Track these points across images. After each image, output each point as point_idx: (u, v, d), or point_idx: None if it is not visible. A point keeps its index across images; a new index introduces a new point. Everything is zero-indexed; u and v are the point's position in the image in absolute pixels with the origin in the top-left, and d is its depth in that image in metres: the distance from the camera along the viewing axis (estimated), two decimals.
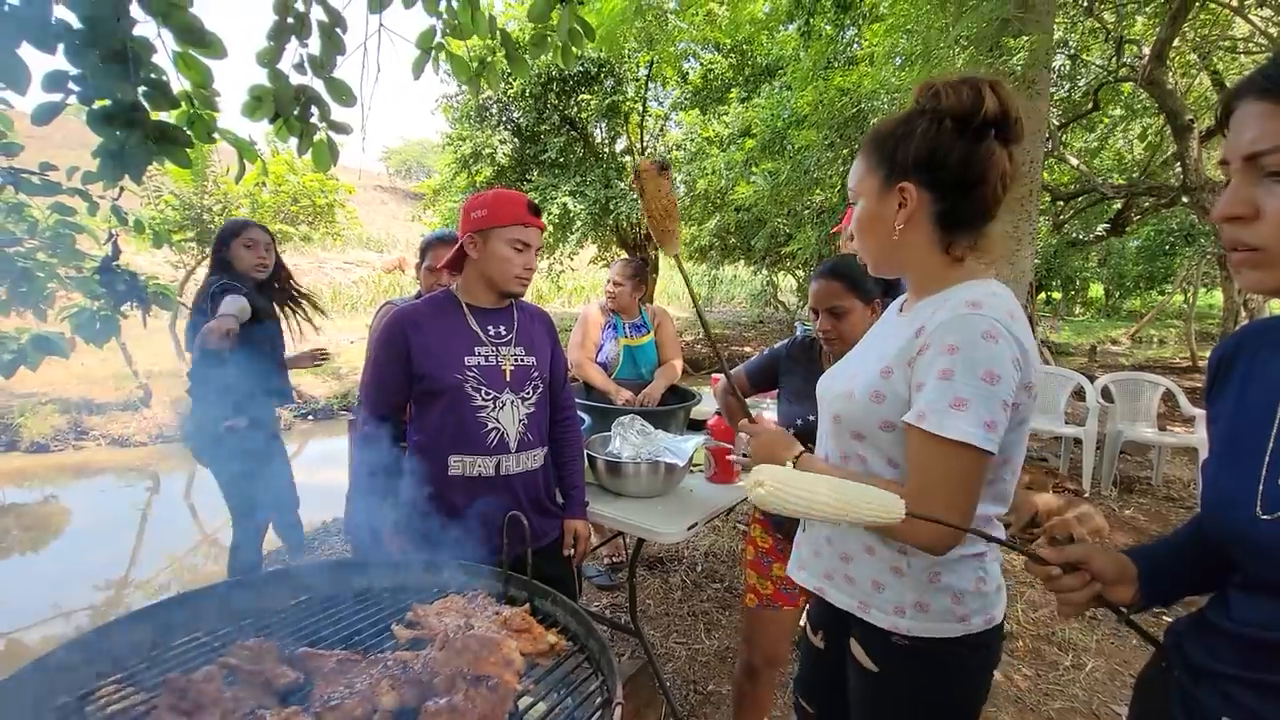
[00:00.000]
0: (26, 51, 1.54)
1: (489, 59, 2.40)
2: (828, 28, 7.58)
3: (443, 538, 1.37)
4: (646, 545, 3.45)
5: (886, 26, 5.85)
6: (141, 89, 1.72)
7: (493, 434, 1.62)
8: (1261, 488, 0.63)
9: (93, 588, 3.65)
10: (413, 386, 1.61)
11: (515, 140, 10.16)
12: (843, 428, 1.05)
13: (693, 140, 9.81)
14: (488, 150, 9.83)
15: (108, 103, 1.69)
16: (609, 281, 3.00)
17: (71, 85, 1.64)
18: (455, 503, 1.58)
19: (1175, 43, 5.70)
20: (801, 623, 1.50)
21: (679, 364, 3.03)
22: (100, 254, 2.67)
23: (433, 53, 2.19)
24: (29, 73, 1.57)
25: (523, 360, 1.70)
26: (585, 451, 2.19)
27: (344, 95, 2.07)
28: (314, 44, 2.00)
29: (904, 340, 0.99)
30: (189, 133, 1.87)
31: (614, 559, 3.17)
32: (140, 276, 2.85)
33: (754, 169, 7.37)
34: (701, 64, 10.45)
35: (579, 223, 9.66)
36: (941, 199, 0.98)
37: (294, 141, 2.10)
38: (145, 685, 0.79)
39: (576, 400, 2.75)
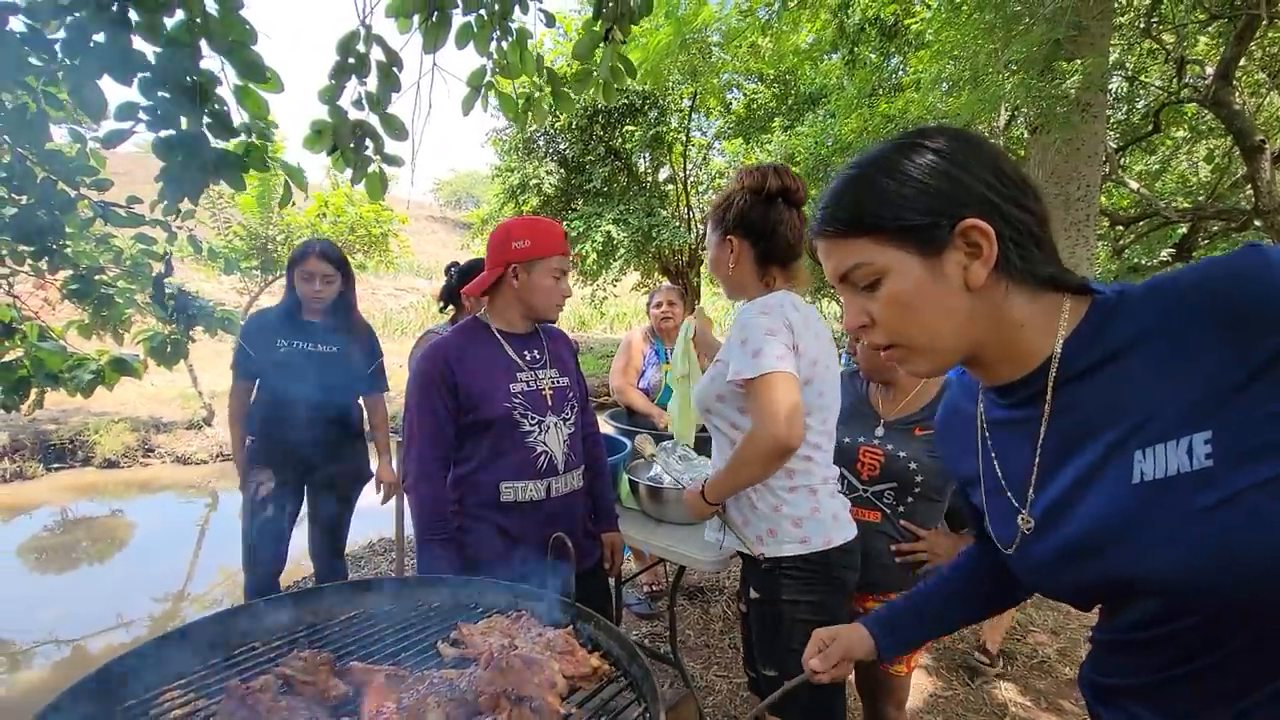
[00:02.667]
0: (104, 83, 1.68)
1: (535, 96, 2.49)
2: (873, 56, 7.58)
3: (501, 565, 1.43)
4: (687, 573, 3.41)
5: (932, 52, 5.82)
6: (205, 120, 1.85)
7: (542, 458, 1.64)
8: (1019, 536, 0.71)
9: (152, 599, 3.80)
10: (460, 419, 1.61)
11: (561, 171, 10.43)
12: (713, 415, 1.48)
13: (735, 168, 9.89)
14: (534, 181, 10.12)
15: (173, 132, 1.82)
16: (658, 305, 3.00)
17: (141, 115, 1.78)
18: (509, 529, 1.60)
19: (1242, 62, 5.49)
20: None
21: None
22: (172, 280, 2.84)
23: (482, 90, 2.28)
24: (106, 103, 1.71)
25: (558, 382, 1.73)
26: (627, 476, 2.19)
27: (397, 130, 2.17)
28: (372, 82, 2.11)
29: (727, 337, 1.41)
30: (244, 158, 1.99)
31: (654, 587, 3.13)
32: (206, 302, 3.02)
33: None
34: (745, 94, 10.58)
35: (622, 250, 9.80)
36: (754, 244, 1.43)
37: (349, 172, 2.22)
38: (207, 691, 0.83)
39: (619, 425, 2.77)
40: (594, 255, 9.73)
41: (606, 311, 14.35)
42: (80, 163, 2.55)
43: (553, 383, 1.71)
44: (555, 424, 1.67)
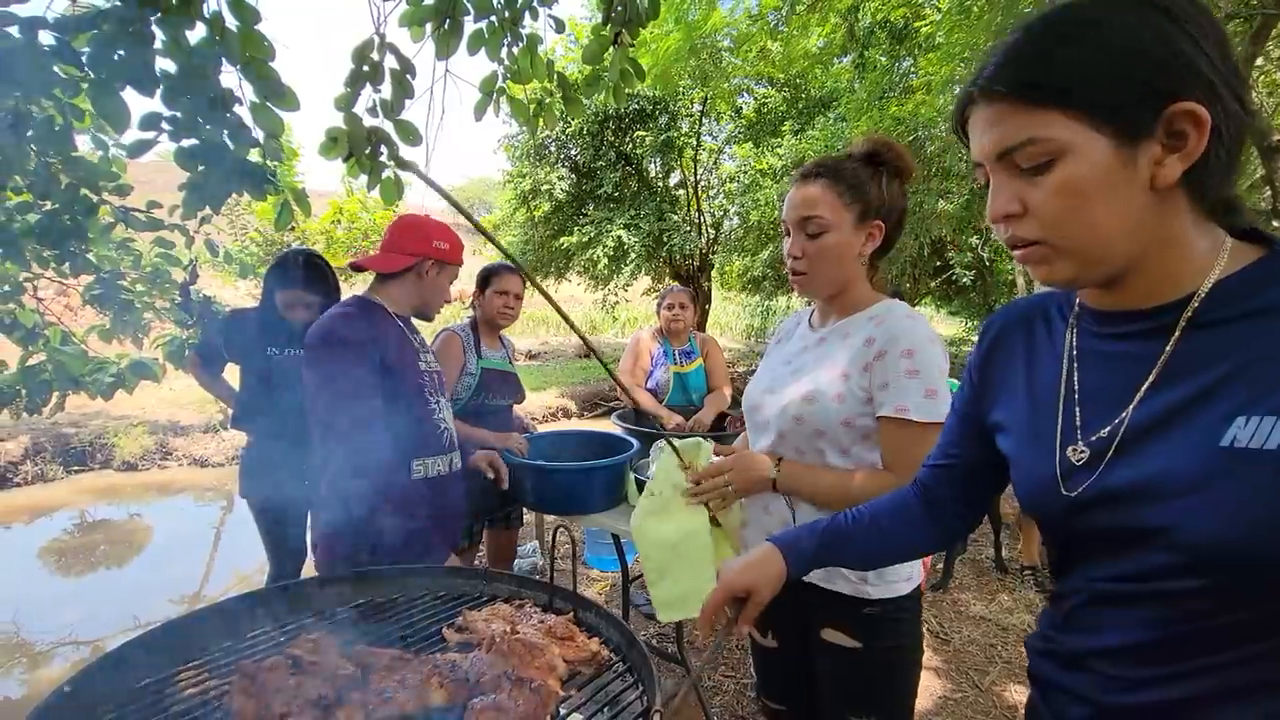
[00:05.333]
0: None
1: (546, 101, 2.52)
2: (882, 59, 7.58)
3: (416, 539, 1.48)
4: None
5: (942, 55, 5.81)
6: (225, 131, 1.91)
7: (445, 434, 1.74)
8: (1058, 465, 0.67)
9: (168, 601, 3.87)
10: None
11: (572, 176, 10.50)
12: (805, 427, 1.21)
13: (746, 173, 9.91)
14: (546, 186, 10.19)
15: (195, 141, 1.88)
16: (669, 306, 3.02)
17: (164, 125, 1.83)
18: (421, 504, 1.63)
19: (1259, 61, 5.42)
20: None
21: (728, 391, 3.03)
22: (195, 287, 2.91)
23: (494, 96, 2.32)
24: (129, 113, 1.77)
25: (435, 366, 1.83)
26: (634, 475, 2.21)
27: (411, 136, 2.22)
28: (386, 89, 2.16)
29: (854, 350, 1.18)
30: (265, 168, 2.04)
31: None
32: (224, 307, 3.08)
33: None
34: (755, 98, 10.60)
35: (633, 255, 9.83)
36: (885, 237, 1.22)
37: (364, 179, 2.26)
38: (220, 671, 0.86)
39: (626, 425, 2.79)
40: (605, 260, 9.77)
41: (618, 316, 14.40)
42: (103, 169, 2.61)
43: (435, 367, 1.81)
44: (445, 404, 1.79)
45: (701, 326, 11.28)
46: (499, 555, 2.66)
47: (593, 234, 9.83)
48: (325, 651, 0.84)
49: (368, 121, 2.19)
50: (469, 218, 1.07)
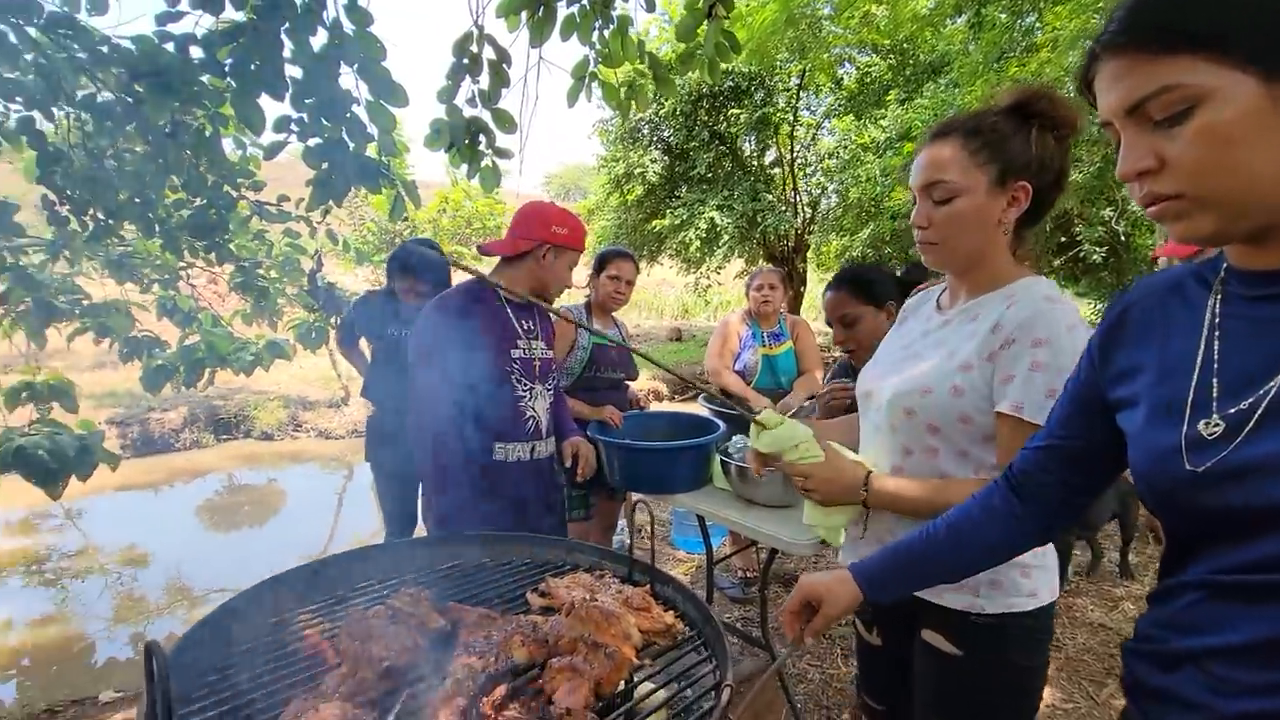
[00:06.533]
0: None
1: (638, 83, 2.52)
2: (1003, 16, 6.95)
3: (489, 516, 1.55)
4: (783, 560, 3.37)
5: (1073, 6, 5.25)
6: (344, 129, 2.06)
7: (530, 422, 1.78)
8: (1185, 440, 0.62)
9: (296, 559, 4.31)
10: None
11: (665, 158, 10.47)
12: (917, 421, 1.09)
13: (846, 148, 9.47)
14: (639, 170, 10.23)
15: (319, 140, 2.04)
16: (758, 287, 2.98)
17: (292, 126, 2.01)
18: (500, 487, 1.71)
19: None
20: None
21: (819, 375, 2.94)
22: (321, 275, 3.18)
23: (586, 80, 2.35)
24: (265, 117, 1.96)
25: (545, 354, 1.86)
26: (719, 456, 2.21)
27: (507, 123, 2.30)
28: (484, 79, 2.25)
29: (979, 337, 1.04)
30: (379, 165, 2.19)
31: (748, 572, 3.12)
32: (342, 291, 3.35)
33: None
34: (857, 68, 10.07)
35: (726, 237, 9.70)
36: (1035, 201, 1.05)
37: (464, 168, 2.38)
38: (334, 615, 0.95)
39: (713, 407, 2.79)
40: (697, 242, 9.70)
41: (710, 300, 14.28)
42: (241, 167, 2.90)
43: (541, 354, 1.85)
44: (541, 392, 1.82)
45: (796, 309, 10.97)
46: (604, 524, 2.74)
47: (685, 216, 9.77)
48: (420, 605, 0.91)
49: (467, 112, 2.29)
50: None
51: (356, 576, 1.09)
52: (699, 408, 2.83)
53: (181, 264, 3.06)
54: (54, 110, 2.37)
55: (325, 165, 2.21)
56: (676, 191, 10.40)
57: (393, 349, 2.74)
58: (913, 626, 1.18)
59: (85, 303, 2.82)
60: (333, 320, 3.28)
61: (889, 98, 8.67)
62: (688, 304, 15.90)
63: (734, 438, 2.27)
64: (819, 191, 10.93)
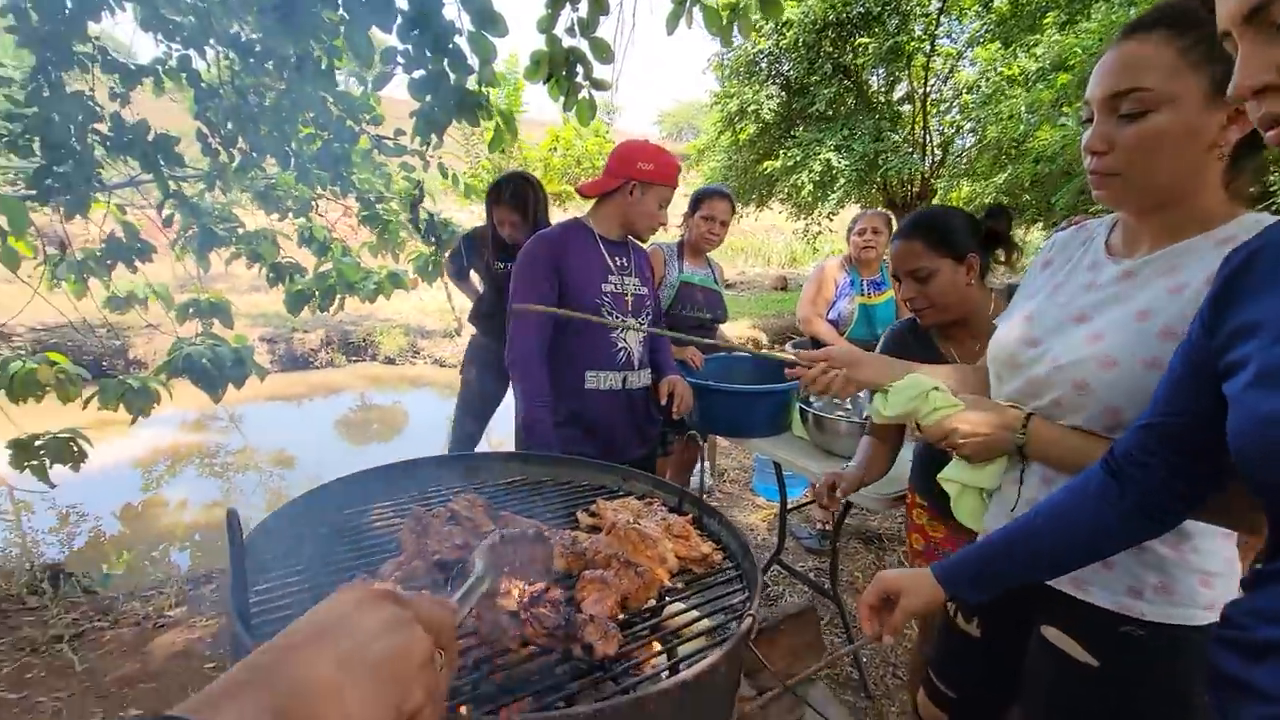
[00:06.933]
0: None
1: (741, 4, 2.38)
2: None
3: (575, 436, 1.64)
4: (866, 518, 3.28)
5: None
6: (445, 60, 2.11)
7: (621, 353, 1.83)
8: None
9: None
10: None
11: (782, 94, 9.91)
12: (1091, 400, 0.88)
13: (989, 80, 8.48)
14: (753, 107, 9.77)
15: (423, 72, 2.12)
16: (860, 231, 2.82)
17: (399, 59, 2.09)
18: (590, 413, 1.80)
19: None
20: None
21: None
22: (427, 207, 3.35)
23: (686, 5, 2.25)
24: (374, 50, 2.04)
25: (639, 291, 1.90)
26: (799, 404, 2.16)
27: (604, 53, 2.26)
28: (583, 7, 2.21)
29: (1186, 295, 0.82)
30: (481, 99, 2.24)
31: (825, 524, 3.08)
32: (456, 227, 3.52)
33: (1065, 109, 6.13)
34: None
35: (842, 180, 9.13)
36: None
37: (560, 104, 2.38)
38: (402, 511, 1.06)
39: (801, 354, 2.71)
40: (810, 186, 9.21)
41: (820, 248, 13.64)
42: (362, 102, 3.07)
43: (635, 290, 1.89)
44: (633, 326, 1.84)
45: None
46: (682, 466, 2.80)
47: (799, 157, 9.28)
48: (476, 511, 0.99)
49: (566, 42, 2.28)
50: None
51: (429, 480, 1.19)
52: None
53: (313, 196, 3.33)
54: (206, 49, 2.62)
55: (429, 98, 2.31)
56: (792, 130, 9.86)
57: (496, 280, 2.87)
58: (1027, 617, 1.02)
59: (240, 230, 3.16)
60: (444, 254, 3.46)
61: (1046, 20, 7.60)
62: (796, 251, 15.28)
63: None
64: (952, 131, 9.95)
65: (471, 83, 2.28)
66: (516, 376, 1.75)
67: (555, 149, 9.42)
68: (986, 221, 1.46)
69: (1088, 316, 0.92)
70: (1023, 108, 6.84)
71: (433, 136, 2.45)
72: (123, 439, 4.67)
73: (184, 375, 2.39)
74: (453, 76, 2.23)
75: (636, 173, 1.81)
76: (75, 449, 2.18)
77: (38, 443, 2.13)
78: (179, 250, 3.14)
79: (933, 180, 9.88)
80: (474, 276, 3.21)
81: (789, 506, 2.49)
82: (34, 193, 2.29)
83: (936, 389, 1.04)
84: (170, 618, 2.32)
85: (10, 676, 1.95)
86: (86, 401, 2.21)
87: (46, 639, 2.12)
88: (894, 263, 1.52)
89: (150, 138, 2.50)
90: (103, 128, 2.42)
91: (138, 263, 2.74)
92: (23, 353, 2.27)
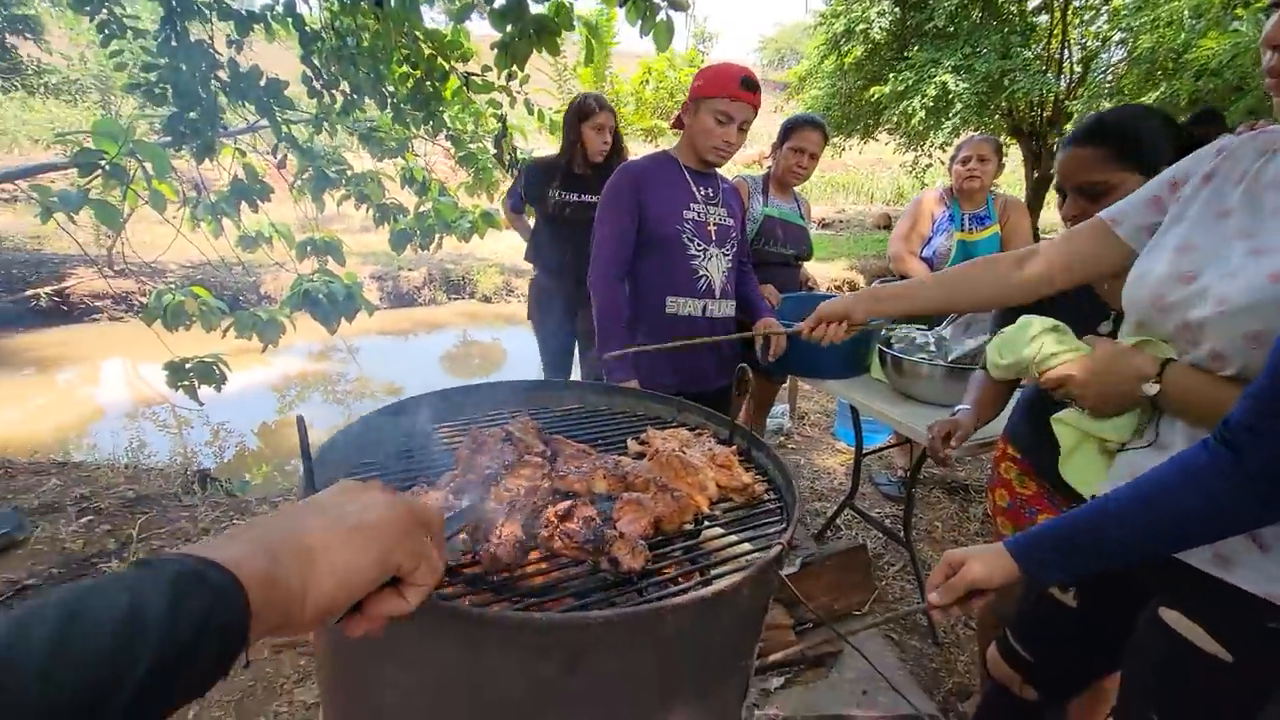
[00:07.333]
0: None
1: None
2: None
3: (658, 366, 1.68)
4: (955, 466, 3.14)
5: None
6: None
7: (702, 280, 1.82)
8: None
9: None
10: (640, 234, 1.79)
11: (895, 10, 9.01)
12: (1263, 354, 0.70)
13: None
14: (862, 26, 8.97)
15: (504, 1, 2.11)
16: (964, 160, 2.55)
17: None
18: (667, 338, 1.75)
19: None
20: None
21: None
22: (511, 143, 3.39)
23: None
24: None
25: (724, 221, 1.88)
26: (878, 347, 2.06)
27: None
28: None
29: None
30: (555, 21, 2.21)
31: (905, 471, 2.97)
32: (530, 160, 3.54)
33: (1237, 11, 5.19)
34: None
35: (959, 105, 8.26)
36: None
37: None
38: (462, 430, 1.13)
39: None
40: (922, 113, 8.41)
41: (929, 182, 12.62)
42: (453, 39, 3.11)
43: (719, 220, 1.87)
44: (716, 255, 1.84)
45: (1039, 198, 9.24)
46: (759, 402, 2.78)
47: (911, 81, 8.47)
48: (529, 433, 1.04)
49: None
50: None
51: (489, 403, 1.26)
52: None
53: (409, 136, 3.45)
54: None
55: (509, 27, 2.30)
56: (905, 51, 8.98)
57: (554, 213, 2.86)
58: (1138, 594, 0.93)
59: (349, 173, 3.36)
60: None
61: None
62: (903, 187, 14.21)
63: (899, 328, 2.09)
64: (1097, 44, 8.69)
65: (549, 7, 2.25)
66: (595, 296, 1.80)
67: (647, 82, 9.15)
68: (1191, 128, 1.17)
69: (1268, 248, 0.74)
70: (1185, 12, 5.85)
71: (517, 70, 2.46)
72: (263, 367, 5.25)
73: (304, 309, 2.63)
74: (531, 4, 2.21)
75: (693, 91, 1.79)
76: (218, 372, 2.49)
77: (187, 365, 2.44)
78: (296, 192, 3.39)
79: (1068, 102, 8.76)
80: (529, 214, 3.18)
81: (866, 451, 2.42)
82: (169, 139, 2.54)
83: (1055, 329, 0.93)
84: None
85: None
86: (225, 331, 2.49)
87: (197, 531, 2.49)
88: (1061, 172, 1.26)
89: (262, 83, 2.68)
90: (223, 75, 2.61)
91: (260, 204, 2.99)
92: (174, 286, 2.57)
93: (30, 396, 5.02)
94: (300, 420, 0.79)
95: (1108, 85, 8.25)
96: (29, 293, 6.37)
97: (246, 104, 2.78)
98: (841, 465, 3.23)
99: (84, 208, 2.05)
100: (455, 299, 7.98)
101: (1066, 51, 8.81)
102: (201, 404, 2.46)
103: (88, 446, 4.18)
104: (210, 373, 2.49)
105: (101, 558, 2.27)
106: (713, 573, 0.82)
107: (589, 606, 0.73)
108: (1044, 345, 0.92)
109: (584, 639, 0.67)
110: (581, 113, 2.77)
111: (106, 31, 2.57)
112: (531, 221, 3.23)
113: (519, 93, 3.53)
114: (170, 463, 3.74)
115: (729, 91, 1.69)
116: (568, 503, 0.82)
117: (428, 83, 3.05)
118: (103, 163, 2.06)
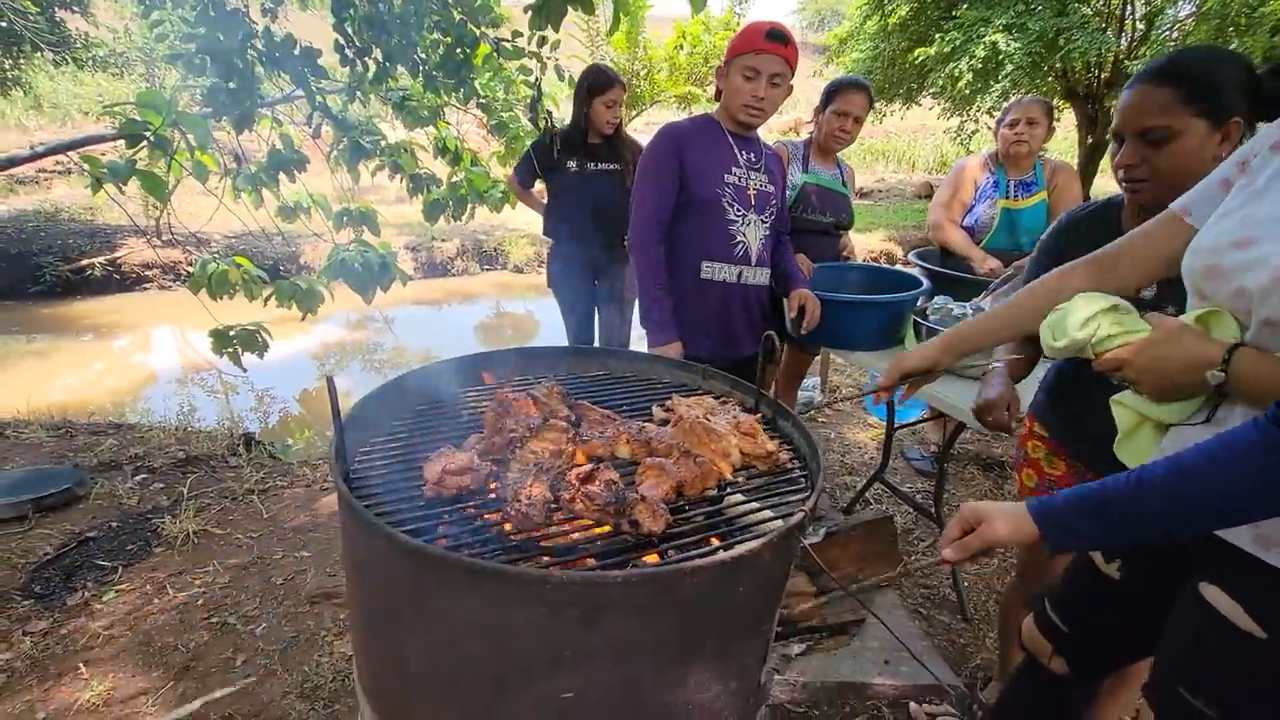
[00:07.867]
0: None
1: None
2: None
3: (691, 330, 1.69)
4: (989, 443, 3.07)
5: None
6: None
7: (739, 246, 1.81)
8: None
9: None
10: (679, 196, 1.77)
11: None
12: None
13: None
14: None
15: None
16: (1011, 123, 2.41)
17: None
18: (705, 304, 1.81)
19: None
20: None
21: None
22: (544, 107, 3.35)
23: None
24: None
25: (765, 187, 1.85)
26: (913, 318, 2.01)
27: None
28: None
29: None
30: None
31: (939, 447, 2.92)
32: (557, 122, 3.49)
33: None
34: None
35: (1010, 66, 7.84)
36: None
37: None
38: (489, 394, 1.15)
39: (926, 265, 2.49)
40: (969, 75, 8.01)
41: (975, 149, 12.12)
42: (485, 4, 3.08)
43: (760, 186, 1.84)
44: (755, 221, 1.83)
45: (1093, 165, 8.79)
46: (790, 373, 2.75)
47: (959, 41, 8.07)
48: (554, 398, 1.05)
49: None
50: None
51: (519, 369, 1.27)
52: (908, 267, 2.55)
53: (441, 103, 3.45)
54: None
55: None
56: (953, 10, 8.55)
57: (567, 183, 2.85)
58: (1180, 567, 0.91)
59: (383, 143, 3.38)
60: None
61: None
62: (947, 154, 13.67)
63: (935, 298, 2.03)
64: None
65: None
66: (635, 258, 1.80)
67: (681, 46, 8.92)
68: (1271, 80, 1.05)
69: None
70: None
71: (549, 34, 2.42)
72: (303, 335, 5.39)
73: (340, 278, 2.68)
74: None
75: (725, 55, 1.76)
76: (260, 339, 2.56)
77: (231, 332, 2.52)
78: (333, 163, 3.43)
79: (1127, 62, 8.27)
80: (539, 187, 3.14)
81: (898, 426, 2.38)
82: (210, 110, 2.58)
83: (1115, 308, 0.87)
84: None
85: (217, 517, 2.43)
86: (266, 300, 2.56)
87: (242, 491, 2.60)
88: (1122, 115, 1.14)
89: (296, 51, 2.69)
90: (259, 44, 2.63)
91: (298, 174, 3.04)
92: (217, 256, 2.65)
93: (89, 361, 5.27)
94: (330, 381, 0.81)
95: (1172, 43, 7.75)
96: (84, 262, 6.64)
97: (282, 74, 2.81)
98: (873, 440, 3.19)
99: (131, 178, 2.11)
100: (488, 269, 8.05)
101: (1129, 7, 8.28)
102: (245, 370, 2.54)
103: (141, 409, 4.38)
104: (253, 340, 2.56)
105: (156, 513, 2.39)
106: (735, 538, 0.82)
107: (609, 568, 0.74)
108: (1100, 327, 0.87)
109: (603, 597, 0.68)
110: (592, 87, 2.72)
111: (147, 3, 2.61)
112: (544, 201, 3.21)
113: (550, 58, 3.48)
114: (217, 426, 3.90)
115: (754, 45, 1.65)
116: (589, 465, 0.83)
117: (458, 50, 3.03)
118: (148, 133, 2.11)
